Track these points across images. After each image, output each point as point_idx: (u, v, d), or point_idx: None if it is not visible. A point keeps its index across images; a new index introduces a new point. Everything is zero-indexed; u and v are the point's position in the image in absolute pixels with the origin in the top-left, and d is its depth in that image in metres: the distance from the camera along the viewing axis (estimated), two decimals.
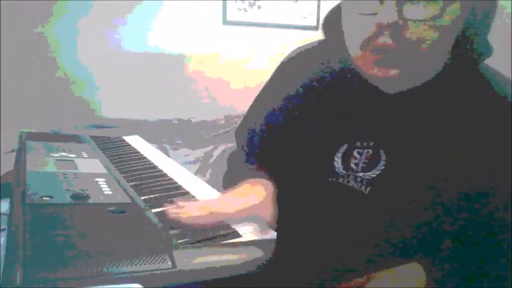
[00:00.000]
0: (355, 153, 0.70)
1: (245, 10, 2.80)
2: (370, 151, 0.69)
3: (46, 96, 2.32)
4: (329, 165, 0.72)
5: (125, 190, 0.74)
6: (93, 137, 1.20)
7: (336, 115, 0.72)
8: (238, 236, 0.61)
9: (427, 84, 0.66)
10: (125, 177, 0.84)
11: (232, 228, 0.63)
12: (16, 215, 0.58)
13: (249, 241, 0.60)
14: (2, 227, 0.89)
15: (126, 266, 0.47)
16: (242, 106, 1.25)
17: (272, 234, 0.62)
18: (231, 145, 1.02)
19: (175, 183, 0.84)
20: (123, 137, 1.29)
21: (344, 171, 0.71)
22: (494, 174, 0.64)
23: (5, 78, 2.19)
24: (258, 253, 0.56)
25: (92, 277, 0.44)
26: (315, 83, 0.75)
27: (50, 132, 1.42)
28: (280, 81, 0.81)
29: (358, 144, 0.70)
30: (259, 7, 2.83)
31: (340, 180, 0.71)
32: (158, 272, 0.47)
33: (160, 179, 0.87)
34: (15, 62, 2.24)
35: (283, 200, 0.70)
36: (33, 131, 1.18)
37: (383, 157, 0.69)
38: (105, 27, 2.48)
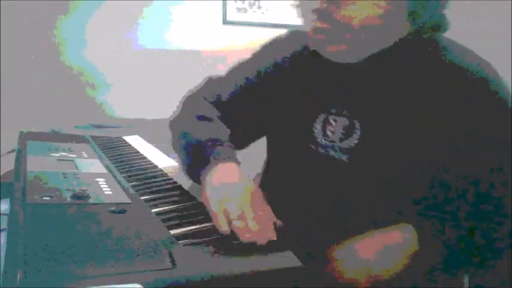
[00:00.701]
0: (331, 120, 0.76)
1: (245, 10, 2.80)
2: (346, 120, 0.74)
3: (46, 96, 2.32)
4: (309, 133, 0.77)
5: (124, 190, 0.74)
6: (93, 137, 1.20)
7: (312, 86, 0.79)
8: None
9: (382, 55, 0.71)
10: (124, 177, 0.84)
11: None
12: (16, 215, 0.58)
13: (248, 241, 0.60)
14: (2, 227, 0.89)
15: (126, 266, 0.47)
16: None
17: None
18: None
19: (175, 183, 0.84)
20: (123, 137, 1.29)
21: (324, 140, 0.76)
22: (463, 135, 0.69)
23: (5, 78, 2.19)
24: (258, 253, 0.56)
25: (92, 277, 0.44)
26: (294, 59, 0.83)
27: (50, 132, 1.42)
28: (267, 56, 0.87)
29: (333, 111, 0.76)
30: (259, 7, 2.83)
31: (321, 150, 0.76)
32: (158, 272, 0.47)
33: (160, 178, 0.87)
34: (15, 61, 2.24)
35: (269, 171, 0.75)
36: (33, 131, 1.18)
37: (357, 126, 0.73)
38: (108, 26, 2.48)
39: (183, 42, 2.68)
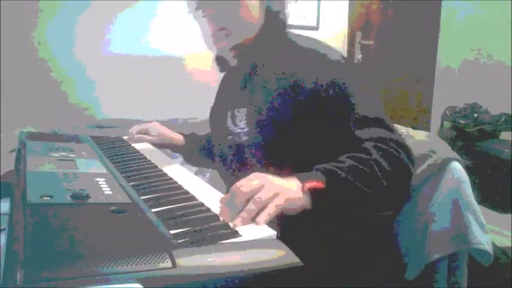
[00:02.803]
0: (235, 112, 0.99)
1: None
2: (245, 110, 0.97)
3: (46, 96, 2.32)
4: (225, 127, 1.02)
5: (124, 190, 0.74)
6: (93, 137, 1.20)
7: (226, 95, 1.10)
8: (238, 235, 0.61)
9: (252, 57, 0.99)
10: (124, 177, 0.84)
11: (232, 228, 0.63)
12: (16, 215, 0.58)
13: (249, 241, 0.60)
14: (2, 227, 0.89)
15: (126, 266, 0.47)
16: None
17: (272, 234, 0.62)
18: None
19: (175, 183, 0.84)
20: (123, 137, 1.29)
21: (235, 128, 0.99)
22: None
23: (5, 78, 2.19)
24: (258, 253, 0.56)
25: (92, 277, 0.44)
26: (220, 86, 1.18)
27: (50, 132, 1.42)
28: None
29: (235, 106, 1.00)
30: None
31: (236, 138, 0.99)
32: (158, 272, 0.47)
33: (160, 178, 0.87)
34: (15, 62, 2.24)
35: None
36: (33, 131, 1.18)
37: (251, 113, 0.96)
38: (102, 28, 2.48)
39: (182, 43, 2.68)
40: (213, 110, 1.17)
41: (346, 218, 0.84)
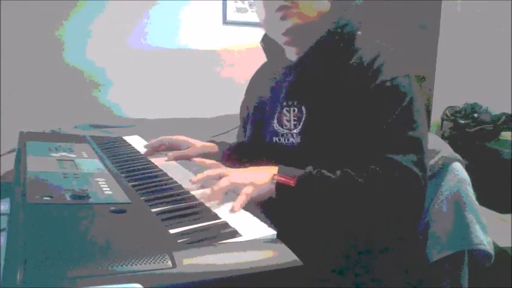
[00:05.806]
0: (284, 111, 0.94)
1: (245, 10, 2.80)
2: (296, 109, 0.93)
3: (46, 96, 2.31)
4: (271, 128, 0.97)
5: (124, 190, 0.74)
6: (93, 137, 1.20)
7: (272, 92, 1.00)
8: (239, 235, 0.61)
9: (317, 52, 0.90)
10: (125, 177, 0.84)
11: (232, 228, 0.63)
12: (16, 215, 0.58)
13: (249, 241, 0.60)
14: (2, 227, 0.89)
15: (126, 266, 0.47)
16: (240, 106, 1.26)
17: (272, 234, 0.62)
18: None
19: (175, 182, 0.84)
20: (123, 137, 1.29)
21: (281, 129, 0.95)
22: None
23: (5, 78, 2.19)
24: (258, 253, 0.56)
25: (92, 277, 0.44)
26: (259, 80, 1.10)
27: (50, 132, 1.42)
28: (248, 87, 1.16)
29: (285, 104, 0.95)
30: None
31: (282, 139, 0.95)
32: (158, 272, 0.47)
33: (161, 178, 0.87)
34: (15, 61, 2.23)
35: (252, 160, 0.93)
36: (33, 131, 1.18)
37: (304, 111, 0.91)
38: (109, 26, 2.48)
39: (182, 42, 2.68)
40: (249, 106, 1.09)
41: (346, 218, 0.84)
